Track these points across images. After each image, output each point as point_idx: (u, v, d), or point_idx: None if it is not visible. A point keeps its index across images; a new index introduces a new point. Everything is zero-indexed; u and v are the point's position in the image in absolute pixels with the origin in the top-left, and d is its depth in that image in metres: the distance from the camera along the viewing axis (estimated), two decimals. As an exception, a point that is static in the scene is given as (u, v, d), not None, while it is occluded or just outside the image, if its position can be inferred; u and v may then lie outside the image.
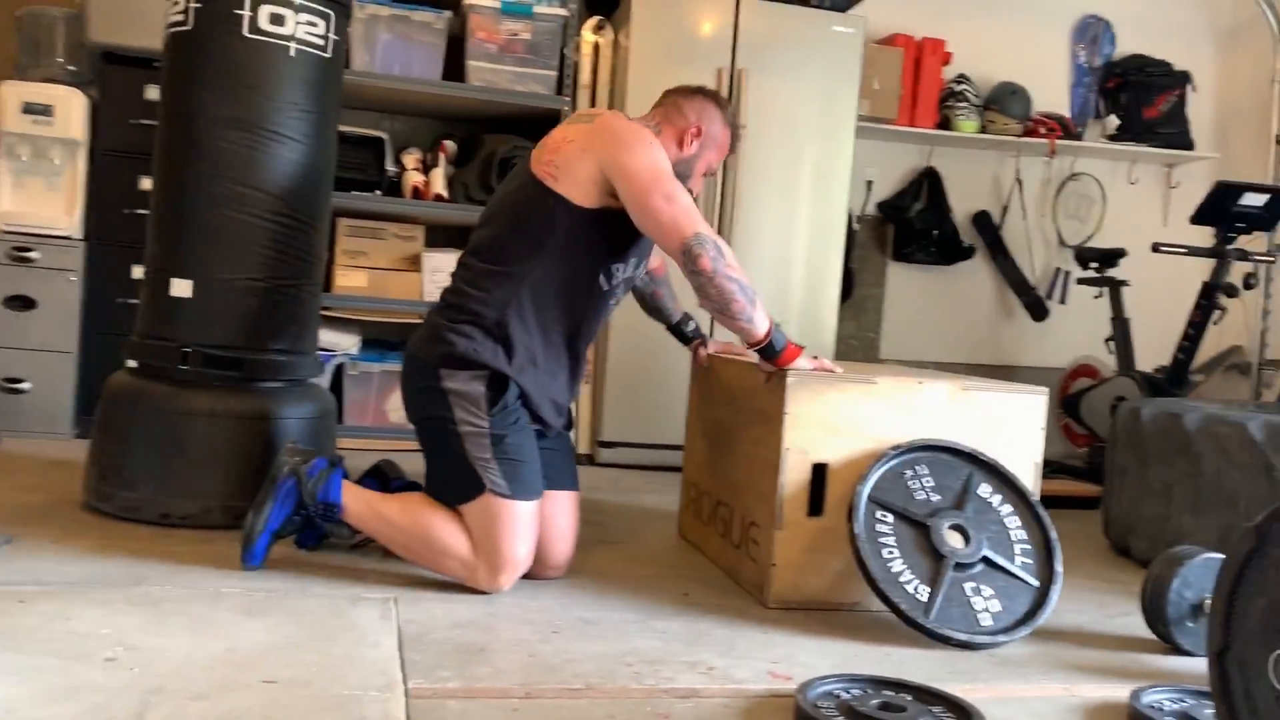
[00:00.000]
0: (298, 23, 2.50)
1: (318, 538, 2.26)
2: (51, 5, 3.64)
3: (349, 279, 3.89)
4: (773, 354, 2.16)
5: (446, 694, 1.57)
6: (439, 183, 3.90)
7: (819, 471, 2.21)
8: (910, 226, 4.80)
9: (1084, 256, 4.57)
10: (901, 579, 2.04)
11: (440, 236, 4.10)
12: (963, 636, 1.99)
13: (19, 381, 3.47)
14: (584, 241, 2.17)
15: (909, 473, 2.18)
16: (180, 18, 2.49)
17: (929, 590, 2.04)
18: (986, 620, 2.03)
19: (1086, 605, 2.44)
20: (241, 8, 2.45)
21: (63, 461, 3.04)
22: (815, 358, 2.21)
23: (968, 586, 2.06)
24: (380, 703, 1.50)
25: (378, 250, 3.93)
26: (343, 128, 3.86)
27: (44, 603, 1.81)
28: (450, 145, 4.04)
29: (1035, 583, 2.11)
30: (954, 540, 2.11)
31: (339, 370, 3.89)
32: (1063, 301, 4.93)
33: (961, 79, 4.68)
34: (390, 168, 3.92)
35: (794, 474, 2.19)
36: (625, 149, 2.11)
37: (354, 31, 3.82)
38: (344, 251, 3.91)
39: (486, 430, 2.11)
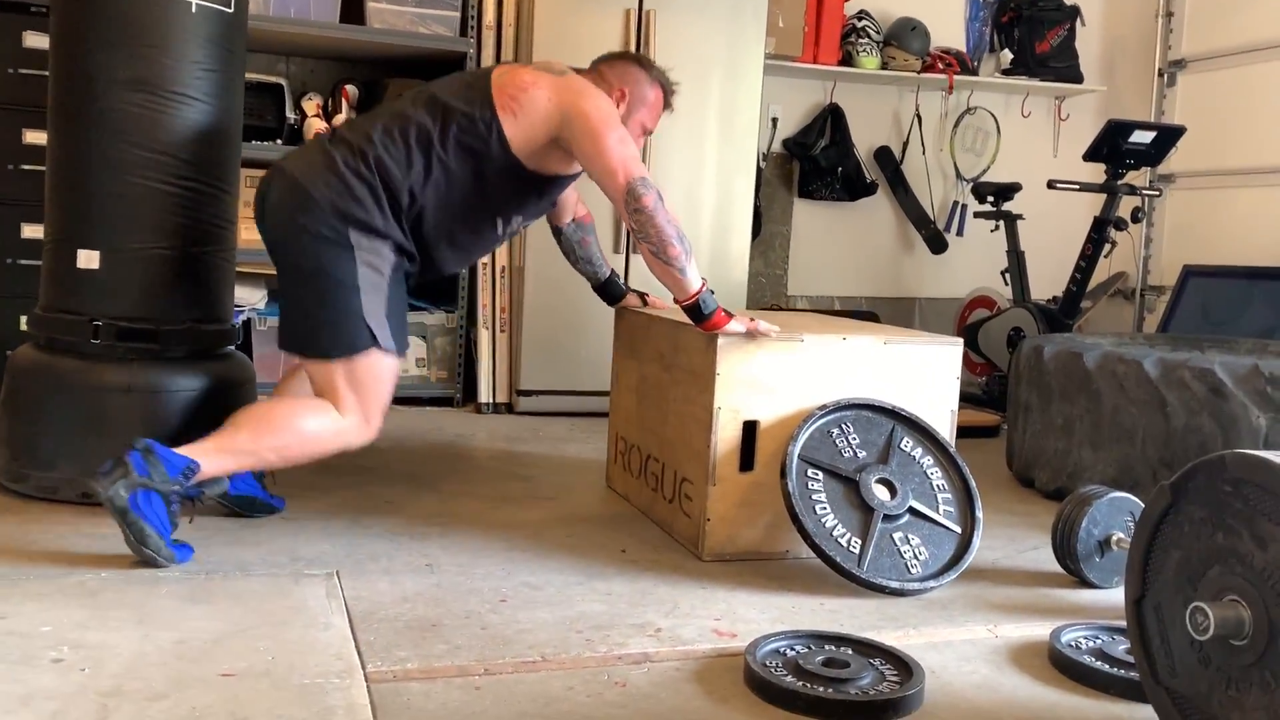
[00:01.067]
0: (198, -24, 2.38)
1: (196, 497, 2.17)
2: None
3: (252, 232, 3.73)
4: (700, 316, 2.19)
5: (406, 676, 1.60)
6: (342, 130, 3.79)
7: (749, 429, 2.27)
8: (815, 164, 4.86)
9: (981, 191, 4.71)
10: (835, 533, 2.13)
11: (346, 185, 3.99)
12: (895, 584, 2.09)
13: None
14: (504, 182, 2.28)
15: (836, 431, 2.26)
16: (69, -29, 2.35)
17: (860, 542, 2.13)
18: (916, 568, 2.13)
19: (998, 540, 2.58)
20: (137, -39, 2.32)
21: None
22: (752, 320, 2.24)
23: (896, 536, 2.16)
24: (342, 690, 1.52)
25: (281, 201, 3.81)
26: (238, 73, 3.74)
27: (-26, 601, 1.76)
28: (352, 90, 3.92)
29: (958, 529, 2.22)
30: (881, 493, 2.20)
31: (246, 325, 3.80)
32: (960, 234, 5.08)
33: (863, 15, 4.72)
34: (290, 115, 3.79)
35: (725, 432, 2.25)
36: (589, 97, 2.24)
37: (245, -29, 3.64)
38: (246, 203, 3.76)
39: (385, 289, 2.22)
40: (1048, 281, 4.73)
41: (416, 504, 2.57)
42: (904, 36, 4.79)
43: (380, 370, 2.24)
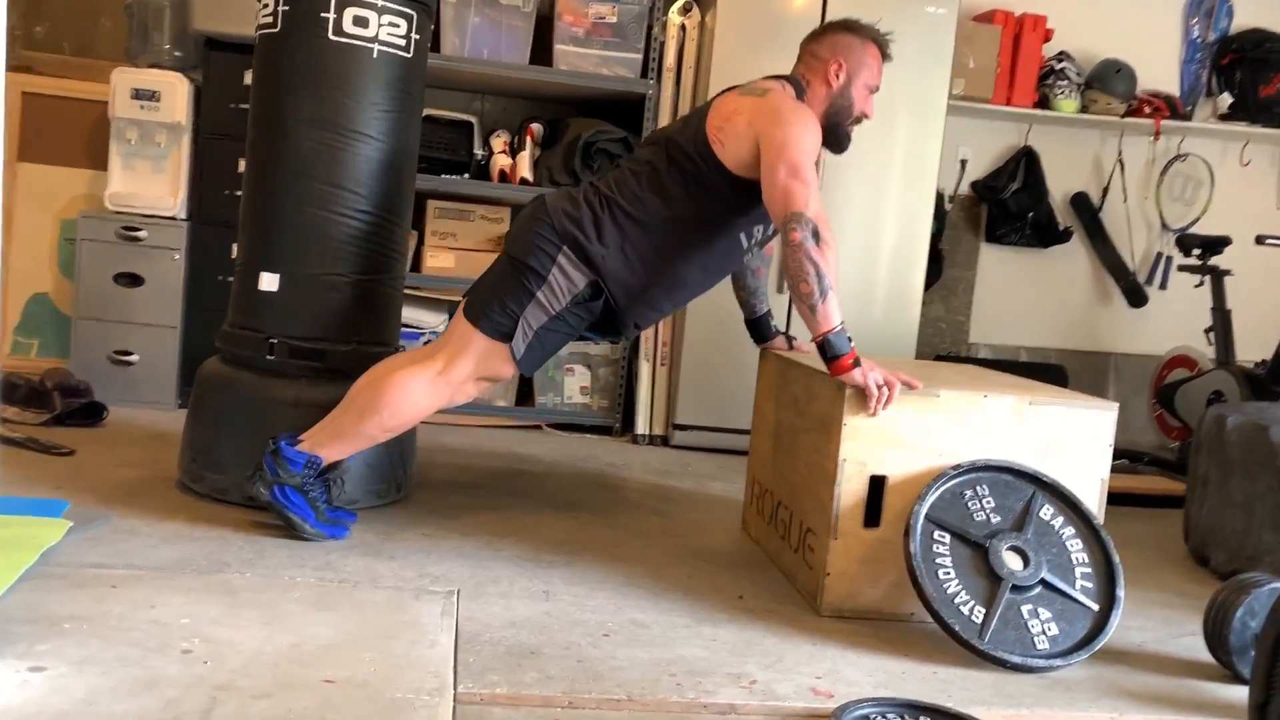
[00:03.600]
0: (380, 25, 2.56)
1: (330, 493, 2.45)
2: (159, -8, 3.79)
3: (438, 260, 3.99)
4: (827, 354, 2.17)
5: (492, 700, 1.65)
6: (525, 166, 3.96)
7: (877, 484, 2.21)
8: (1005, 207, 4.68)
9: (1187, 242, 4.40)
10: (957, 600, 2.05)
11: (525, 217, 4.17)
12: (1017, 659, 1.99)
13: (128, 354, 3.67)
14: (734, 204, 2.38)
15: (969, 493, 2.17)
16: (269, 19, 2.58)
17: (984, 611, 2.04)
18: (1043, 643, 2.02)
19: (1152, 621, 2.41)
20: (327, 10, 2.52)
21: (163, 434, 3.22)
22: (884, 372, 2.19)
23: (1024, 609, 2.06)
24: (429, 708, 1.59)
25: (465, 231, 4.02)
26: (433, 111, 3.99)
27: (133, 589, 1.95)
28: (537, 129, 4.09)
29: (1095, 606, 2.09)
30: (1012, 562, 2.10)
31: (426, 347, 4.01)
32: (1163, 288, 4.77)
33: (1062, 56, 4.52)
34: (478, 150, 3.99)
35: (851, 485, 2.20)
36: (780, 122, 2.28)
37: (444, 15, 3.89)
38: (433, 233, 4.01)
39: (554, 312, 2.36)
40: (1256, 344, 4.36)
41: (549, 530, 2.65)
42: (1108, 79, 4.55)
43: (497, 362, 2.40)
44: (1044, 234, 4.70)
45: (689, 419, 3.91)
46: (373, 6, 2.55)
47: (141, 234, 3.66)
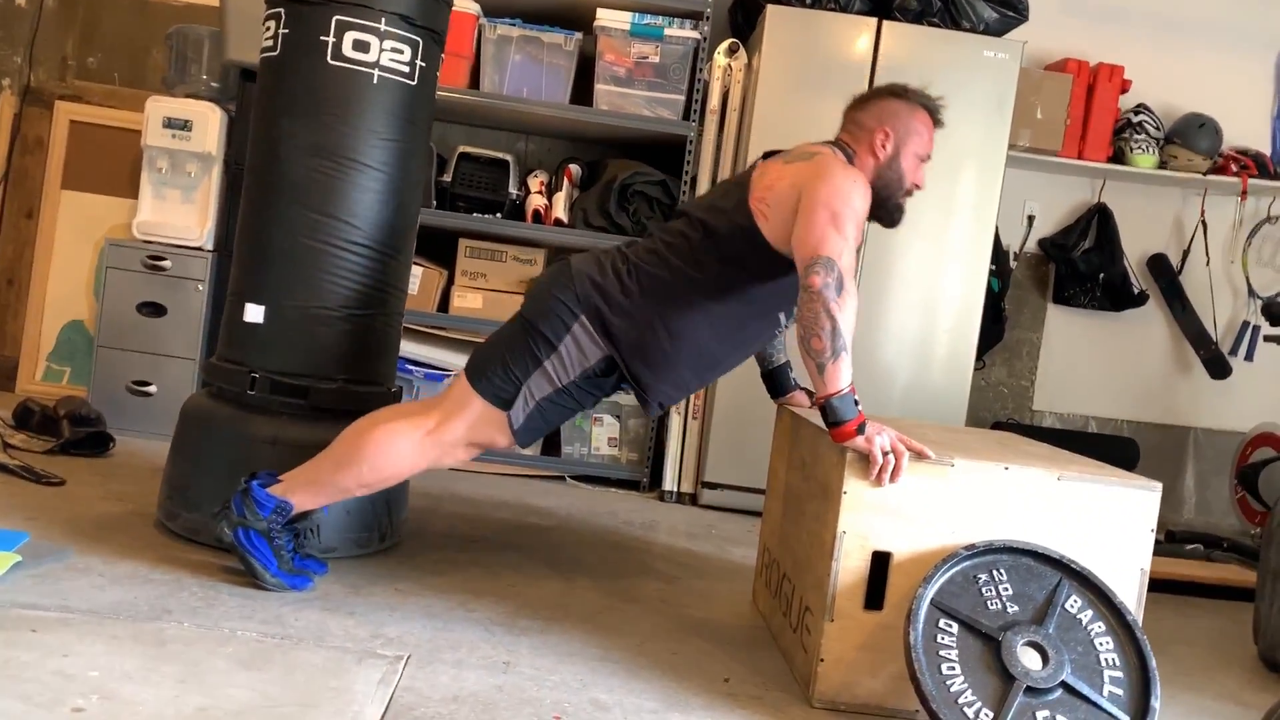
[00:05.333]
0: (382, 50, 2.45)
1: (296, 541, 2.29)
2: (200, 23, 3.79)
3: (466, 300, 3.86)
4: (829, 419, 1.95)
5: (402, 789, 1.46)
6: (560, 207, 3.84)
7: (880, 561, 1.97)
8: (1074, 267, 4.40)
9: (1275, 310, 4.05)
10: (960, 700, 1.79)
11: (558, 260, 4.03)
12: (1024, 773, 1.72)
13: (146, 384, 3.62)
14: (773, 282, 2.19)
15: (984, 577, 1.92)
16: (270, 43, 2.49)
17: (992, 715, 1.77)
18: (1057, 756, 1.75)
19: (1205, 737, 2.11)
20: (327, 34, 2.42)
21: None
22: (890, 437, 1.96)
23: (1041, 715, 1.79)
24: (323, 794, 1.40)
25: (496, 272, 3.90)
26: (470, 148, 3.90)
27: (54, 633, 1.81)
28: (575, 169, 3.96)
29: (1124, 718, 1.81)
30: (1029, 660, 1.83)
31: (452, 390, 3.88)
32: (1249, 359, 4.41)
33: (1141, 109, 4.24)
34: (514, 190, 3.88)
35: (851, 560, 1.97)
36: (827, 178, 2.08)
37: (485, 52, 3.81)
38: (463, 272, 3.89)
39: (560, 385, 2.19)
40: (1353, 424, 3.98)
41: (535, 591, 2.46)
42: (1190, 134, 4.25)
43: (492, 430, 2.23)
44: (1117, 297, 4.39)
45: (719, 477, 3.69)
46: (375, 31, 2.44)
47: (166, 263, 3.61)
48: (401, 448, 2.22)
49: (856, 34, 3.61)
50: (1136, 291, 4.39)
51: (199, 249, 3.65)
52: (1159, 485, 2.02)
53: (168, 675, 1.71)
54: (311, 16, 2.43)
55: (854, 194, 2.07)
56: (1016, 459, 2.06)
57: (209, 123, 3.60)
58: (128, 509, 2.67)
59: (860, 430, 1.94)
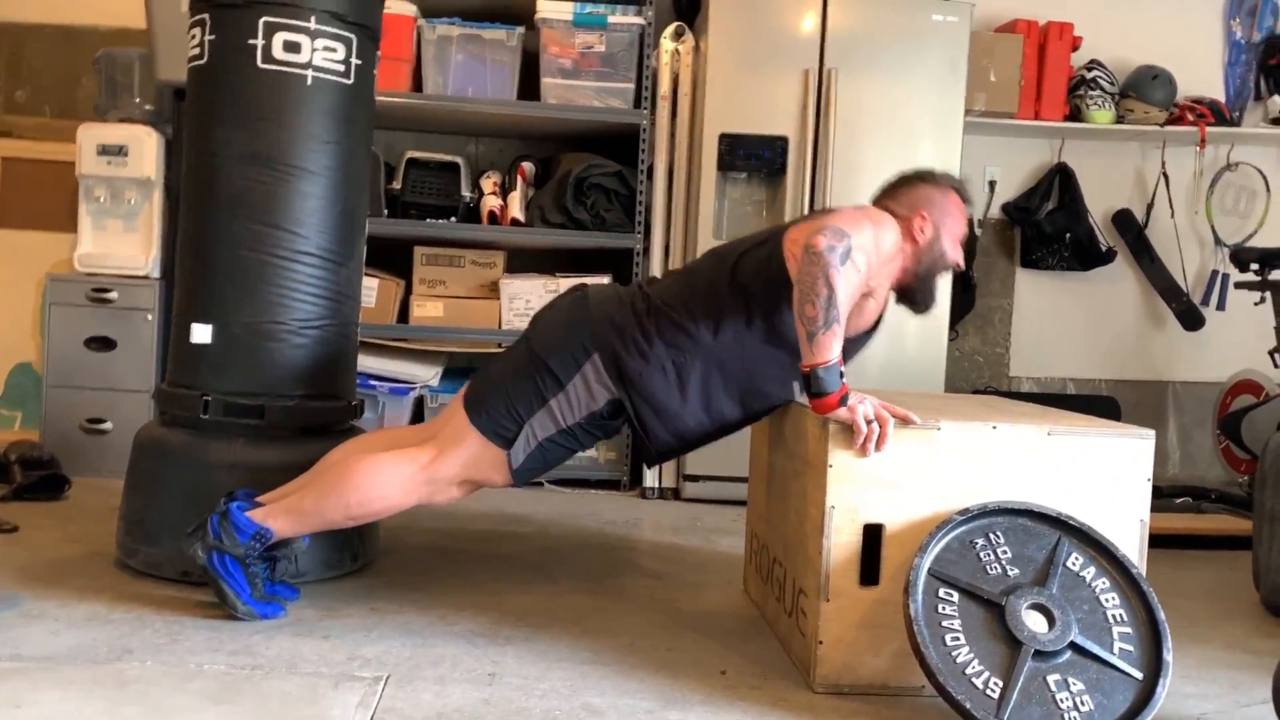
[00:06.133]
0: (314, 50, 2.35)
1: (273, 569, 2.18)
2: (129, 46, 3.66)
3: (426, 309, 3.76)
4: (812, 389, 1.88)
5: (386, 816, 1.36)
6: (516, 207, 3.74)
7: (872, 534, 1.89)
8: (1040, 229, 4.35)
9: (1242, 257, 4.02)
10: (968, 670, 1.71)
11: (519, 261, 3.94)
12: (1041, 741, 1.65)
13: (100, 422, 3.48)
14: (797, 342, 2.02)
15: (980, 541, 1.85)
16: (197, 51, 2.39)
17: (1001, 684, 1.70)
18: (1073, 720, 1.68)
19: (1217, 687, 2.04)
20: (255, 37, 2.32)
21: (125, 506, 3.00)
22: (873, 405, 1.88)
23: (1052, 679, 1.71)
24: (301, 829, 1.30)
25: (455, 278, 3.80)
26: (418, 153, 3.80)
27: (5, 683, 1.70)
28: (528, 167, 3.87)
29: (1138, 674, 1.74)
30: (1035, 623, 1.76)
31: (419, 403, 3.78)
32: (1220, 308, 4.37)
33: (1093, 65, 4.20)
34: (467, 193, 3.78)
35: (842, 536, 1.89)
36: (853, 218, 2.01)
37: (425, 54, 3.71)
38: (421, 281, 3.79)
39: (564, 426, 2.10)
40: (1330, 363, 3.95)
41: (520, 599, 2.36)
42: (1144, 86, 4.22)
43: (489, 468, 2.13)
44: (1085, 256, 4.35)
45: (701, 469, 3.60)
46: (305, 31, 2.34)
47: (112, 295, 3.48)
48: (393, 482, 2.11)
49: (803, 8, 3.54)
50: (1104, 249, 4.35)
51: (145, 277, 3.52)
52: (1152, 433, 1.96)
53: (128, 718, 1.60)
54: (238, 20, 2.33)
55: (883, 231, 2.03)
56: (1004, 418, 1.99)
57: (145, 147, 3.47)
58: (85, 550, 2.55)
59: (843, 402, 1.86)
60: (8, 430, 3.91)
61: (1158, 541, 3.18)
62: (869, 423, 1.85)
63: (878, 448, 1.87)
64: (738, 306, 2.07)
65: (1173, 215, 4.39)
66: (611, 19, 3.65)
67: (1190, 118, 4.24)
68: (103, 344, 3.49)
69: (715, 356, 2.08)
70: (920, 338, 3.63)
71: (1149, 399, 4.48)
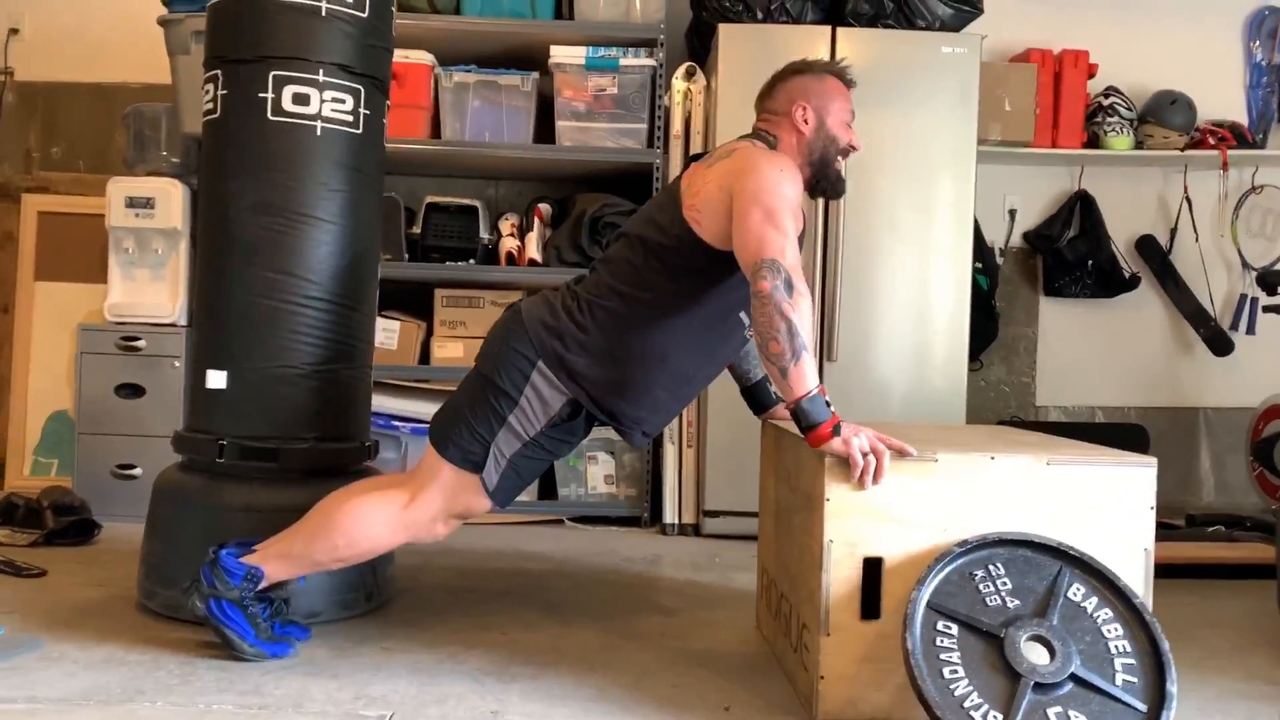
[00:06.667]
0: (323, 101, 2.42)
1: (272, 609, 2.20)
2: (158, 102, 3.78)
3: (446, 350, 3.82)
4: (802, 423, 1.88)
5: None
6: (533, 247, 3.80)
7: (872, 568, 1.89)
8: (1061, 257, 4.33)
9: (1270, 280, 3.97)
10: (966, 703, 1.70)
11: (538, 301, 3.99)
12: (1041, 775, 1.63)
13: (131, 467, 3.56)
14: (724, 283, 2.12)
15: (980, 573, 1.84)
16: (211, 105, 2.47)
17: (1001, 716, 1.68)
18: (1075, 754, 1.66)
19: (1232, 718, 2.00)
20: (265, 90, 2.39)
21: (151, 550, 3.06)
22: (868, 436, 1.89)
23: (1052, 712, 1.69)
24: None
25: (475, 319, 3.85)
26: (438, 198, 3.87)
27: (18, 726, 1.74)
28: (545, 208, 3.93)
29: (1141, 706, 1.71)
30: (1034, 655, 1.74)
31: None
32: (1250, 332, 4.32)
33: (1110, 91, 4.20)
34: (485, 235, 3.84)
35: (842, 570, 1.89)
36: (752, 171, 2.05)
37: (443, 100, 3.79)
38: (441, 322, 3.85)
39: (528, 438, 2.13)
40: (1363, 386, 3.89)
41: (530, 636, 2.37)
42: (1162, 112, 4.20)
43: (467, 495, 2.16)
44: (1108, 282, 4.32)
45: (720, 504, 3.60)
46: (313, 83, 2.41)
47: (141, 343, 3.58)
48: (374, 523, 2.16)
49: (812, 44, 3.57)
50: (1127, 275, 4.32)
51: (173, 325, 3.61)
52: (1154, 461, 1.94)
53: (134, 758, 1.64)
54: (248, 74, 2.40)
55: (782, 183, 2.03)
56: (1004, 448, 1.98)
57: (171, 198, 3.57)
58: (108, 594, 2.61)
59: (836, 432, 1.87)
60: (44, 477, 4.00)
61: (1186, 572, 3.16)
62: (864, 455, 1.86)
63: (875, 480, 1.87)
64: (658, 272, 2.11)
65: (1197, 240, 4.35)
66: (623, 61, 3.71)
67: (1212, 141, 4.21)
68: (132, 391, 3.58)
69: (655, 324, 2.12)
70: (943, 369, 3.62)
71: (1179, 426, 4.41)
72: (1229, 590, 3.05)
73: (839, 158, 2.23)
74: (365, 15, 2.47)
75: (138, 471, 3.55)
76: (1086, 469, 1.92)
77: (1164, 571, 3.15)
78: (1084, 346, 4.42)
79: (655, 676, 2.13)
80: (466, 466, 2.14)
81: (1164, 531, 3.70)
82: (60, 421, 4.06)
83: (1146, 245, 4.39)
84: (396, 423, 3.72)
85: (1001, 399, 4.42)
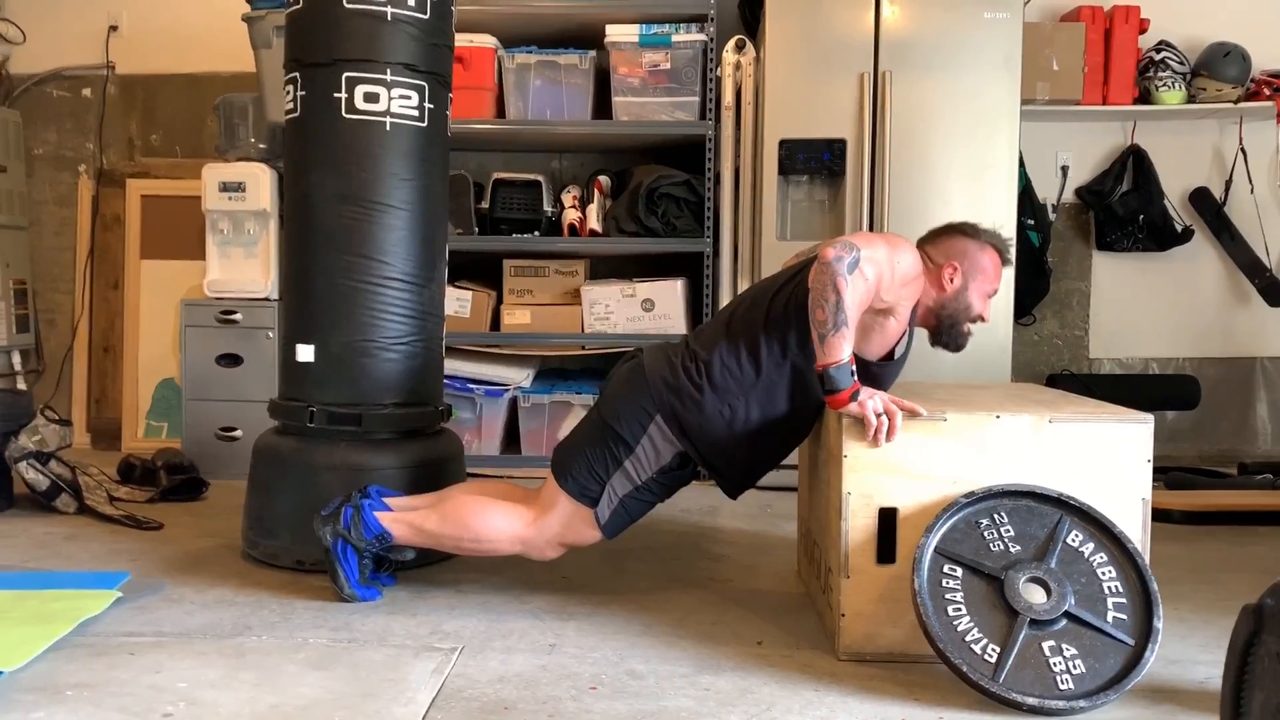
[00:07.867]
0: (391, 99, 2.66)
1: (381, 564, 2.48)
2: (245, 91, 4.07)
3: (515, 317, 4.07)
4: (825, 387, 2.09)
5: (446, 758, 1.64)
6: (594, 218, 4.01)
7: (887, 517, 2.09)
8: (1113, 212, 4.40)
9: (1324, 231, 3.99)
10: (968, 638, 1.90)
11: (599, 268, 4.22)
12: (1033, 701, 1.82)
13: (232, 430, 3.90)
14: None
15: (985, 521, 2.02)
16: (292, 105, 2.72)
17: (998, 650, 1.88)
18: (1066, 683, 1.85)
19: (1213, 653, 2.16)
20: (339, 91, 2.64)
21: (253, 505, 3.39)
22: (880, 403, 2.07)
23: (1046, 645, 1.88)
24: (375, 767, 1.59)
25: (541, 287, 4.09)
26: (504, 174, 4.10)
27: (150, 654, 2.05)
28: (604, 180, 4.13)
29: (1129, 641, 1.89)
30: (1032, 594, 1.93)
31: (513, 404, 4.08)
32: (1307, 282, 4.33)
33: (1162, 46, 4.23)
34: (549, 207, 4.07)
35: (859, 519, 2.09)
36: (861, 236, 2.22)
37: (506, 81, 4.00)
38: (510, 291, 4.10)
39: (639, 483, 2.31)
40: None
41: (587, 579, 2.63)
42: (1215, 64, 4.22)
43: (581, 525, 2.35)
44: (1160, 236, 4.38)
45: (773, 459, 3.80)
46: (382, 83, 2.65)
47: (237, 316, 3.90)
48: (502, 531, 2.36)
49: (857, 12, 3.70)
50: (1180, 229, 4.37)
51: (265, 299, 3.93)
52: (1150, 417, 2.09)
53: (245, 681, 1.93)
54: (324, 76, 2.65)
55: (895, 255, 2.16)
56: (1008, 407, 2.16)
57: (260, 182, 3.87)
58: (218, 544, 2.93)
59: (854, 397, 2.06)
60: (156, 439, 4.38)
61: (1218, 519, 3.28)
62: (878, 416, 2.05)
63: (888, 438, 2.06)
64: (775, 341, 2.24)
65: (1252, 191, 4.37)
66: (675, 37, 3.88)
67: (1267, 92, 4.22)
68: (231, 360, 3.92)
69: (762, 391, 2.25)
70: (987, 327, 3.73)
71: (1234, 376, 4.47)
72: (1261, 537, 3.17)
73: (967, 323, 2.33)
74: (427, 17, 2.70)
75: (238, 434, 3.89)
76: (1087, 425, 2.08)
77: (1199, 518, 3.30)
78: (1137, 300, 4.49)
79: (698, 615, 2.37)
80: (583, 500, 2.32)
81: (1212, 480, 3.82)
82: (168, 388, 4.44)
83: (1200, 198, 4.42)
84: (471, 385, 3.99)
85: (1055, 352, 4.52)
